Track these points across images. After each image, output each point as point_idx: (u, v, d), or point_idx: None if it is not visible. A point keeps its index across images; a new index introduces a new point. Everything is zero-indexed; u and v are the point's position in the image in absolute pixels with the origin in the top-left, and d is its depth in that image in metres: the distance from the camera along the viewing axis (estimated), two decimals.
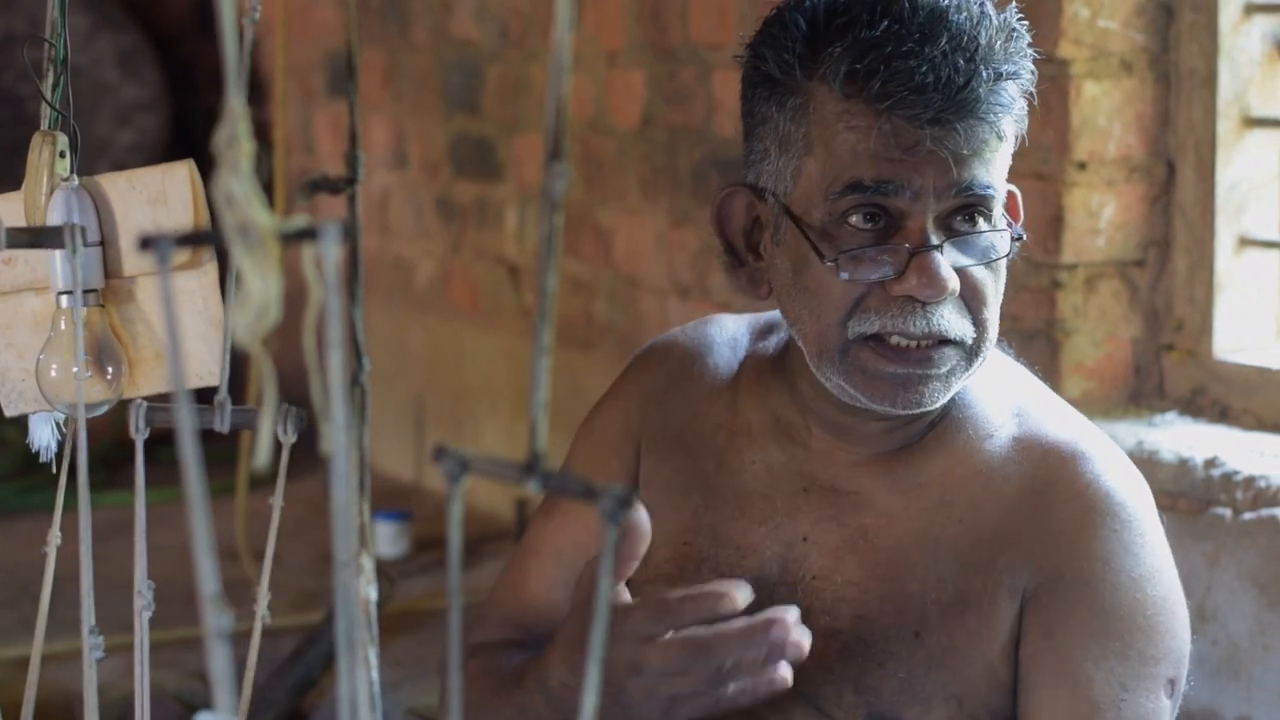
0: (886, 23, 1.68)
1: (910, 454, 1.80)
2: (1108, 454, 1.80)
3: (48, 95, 1.64)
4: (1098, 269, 2.69)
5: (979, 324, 1.73)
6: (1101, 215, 2.67)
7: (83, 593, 1.53)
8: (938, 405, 1.74)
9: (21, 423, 1.74)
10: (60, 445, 1.73)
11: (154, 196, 1.63)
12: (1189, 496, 2.52)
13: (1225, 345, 2.66)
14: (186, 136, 5.02)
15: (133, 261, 1.65)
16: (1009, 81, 1.70)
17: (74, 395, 1.59)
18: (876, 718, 1.76)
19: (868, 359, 1.71)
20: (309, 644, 2.99)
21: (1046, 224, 2.68)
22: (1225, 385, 2.64)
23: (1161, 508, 2.55)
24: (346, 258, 1.03)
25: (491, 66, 4.05)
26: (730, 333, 1.94)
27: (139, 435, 1.60)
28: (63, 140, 1.64)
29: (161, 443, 3.85)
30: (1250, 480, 2.46)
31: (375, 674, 1.13)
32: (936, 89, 1.66)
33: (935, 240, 1.69)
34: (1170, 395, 2.71)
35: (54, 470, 1.69)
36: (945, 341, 1.71)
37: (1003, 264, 1.75)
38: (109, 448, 4.28)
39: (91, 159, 1.71)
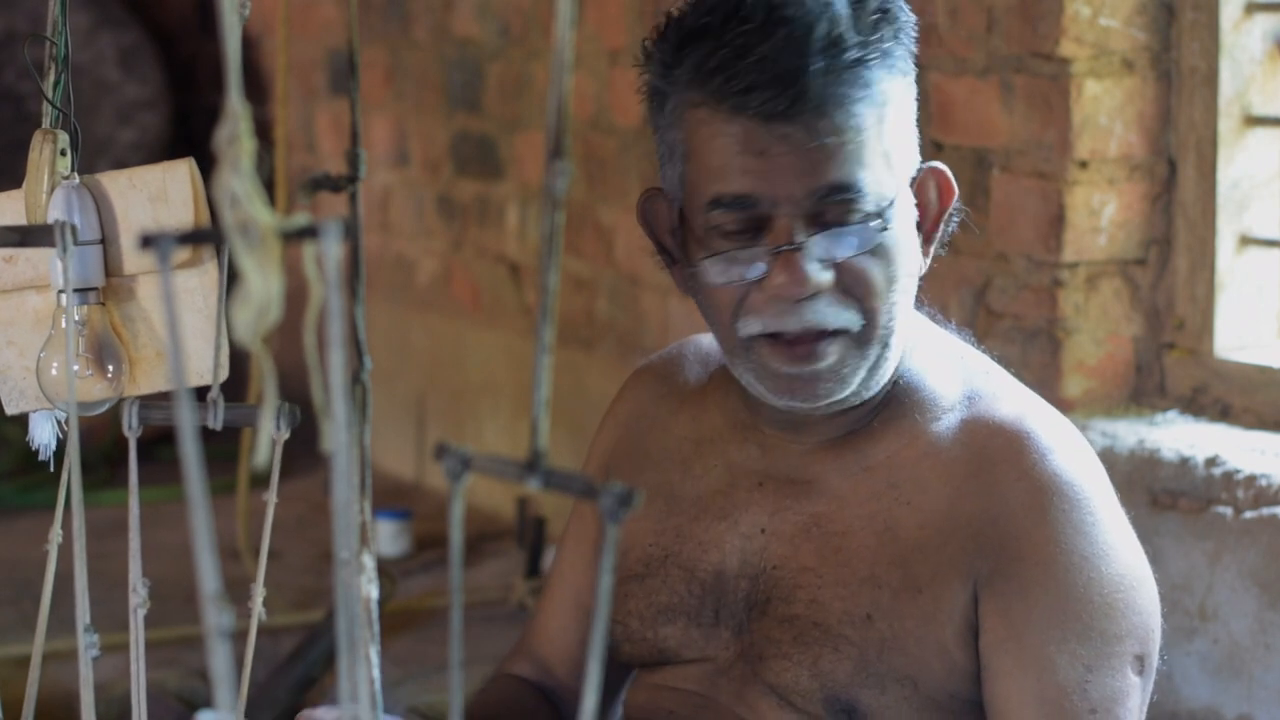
0: (735, 23, 1.70)
1: (857, 439, 1.82)
2: (1054, 432, 1.79)
3: (49, 93, 1.64)
4: (1099, 267, 2.69)
5: (866, 312, 1.74)
6: (1103, 214, 2.67)
7: (77, 591, 1.53)
8: (840, 396, 1.77)
9: (23, 421, 1.74)
10: (61, 443, 1.72)
11: (155, 194, 1.63)
12: (1190, 495, 2.52)
13: (1226, 344, 2.66)
14: (188, 135, 5.02)
15: (133, 260, 1.65)
16: (855, 69, 1.70)
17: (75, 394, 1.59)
18: (832, 701, 1.78)
19: (765, 354, 1.75)
20: (310, 642, 2.99)
21: (1048, 222, 2.68)
22: (1226, 384, 2.64)
23: (1163, 506, 2.56)
24: (348, 256, 1.03)
25: (493, 65, 4.05)
26: (704, 349, 1.99)
27: (131, 434, 1.60)
28: (63, 138, 1.64)
29: (163, 441, 3.84)
30: (1251, 479, 2.46)
31: (376, 672, 1.13)
32: (770, 85, 1.69)
33: (800, 238, 1.72)
34: (1171, 394, 2.71)
35: (53, 468, 1.69)
36: (829, 333, 1.74)
37: (896, 248, 1.75)
38: (110, 445, 4.28)
39: (93, 157, 1.71)
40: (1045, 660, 1.73)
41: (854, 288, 1.74)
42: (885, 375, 1.79)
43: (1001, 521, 1.75)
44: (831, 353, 1.74)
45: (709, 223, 1.74)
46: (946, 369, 1.84)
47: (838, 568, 1.79)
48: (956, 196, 1.82)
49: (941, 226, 1.82)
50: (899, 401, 1.82)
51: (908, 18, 1.76)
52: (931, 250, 1.82)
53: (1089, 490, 1.77)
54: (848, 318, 1.74)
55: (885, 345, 1.76)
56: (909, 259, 1.77)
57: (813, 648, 1.78)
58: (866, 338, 1.75)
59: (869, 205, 1.73)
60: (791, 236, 1.72)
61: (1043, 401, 1.85)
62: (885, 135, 1.74)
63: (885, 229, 1.74)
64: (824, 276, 1.72)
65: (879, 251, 1.74)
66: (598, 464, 2.00)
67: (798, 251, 1.71)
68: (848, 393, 1.77)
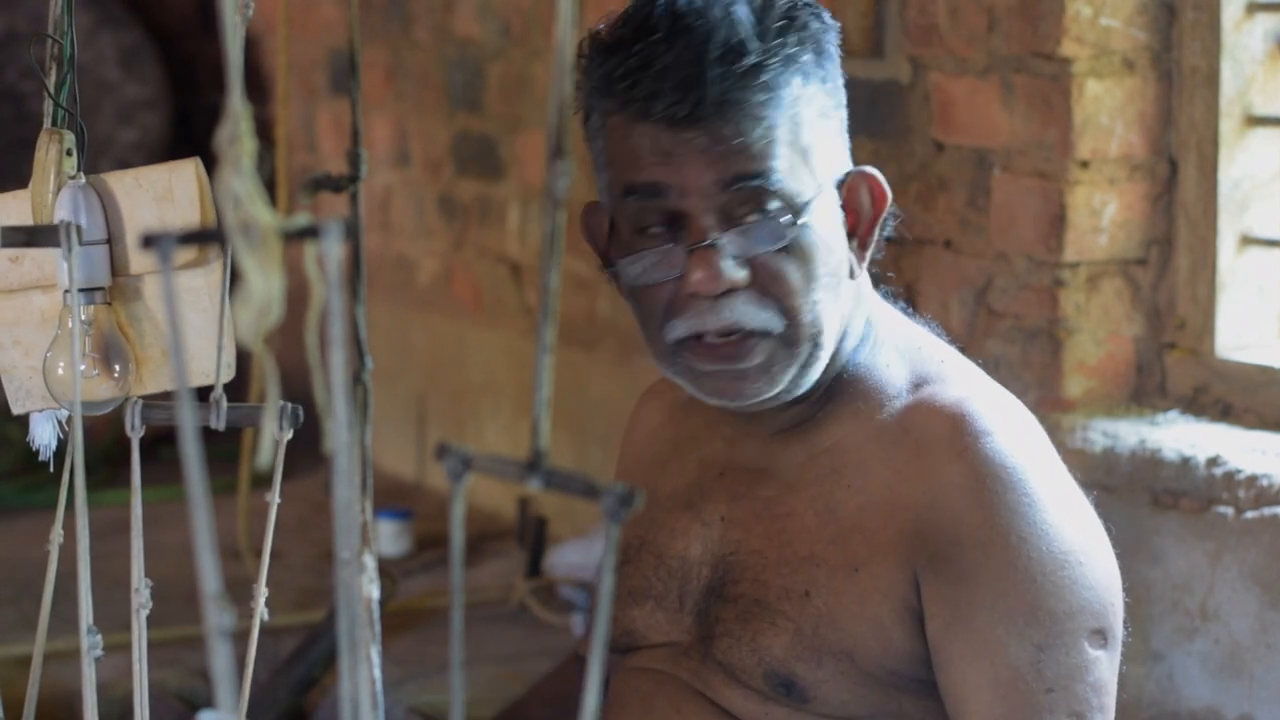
0: (645, 34, 1.78)
1: (807, 428, 1.87)
2: (994, 415, 1.82)
3: (53, 93, 1.64)
4: (1100, 267, 2.69)
5: (786, 312, 1.79)
6: (1104, 214, 2.67)
7: (80, 591, 1.53)
8: (770, 394, 1.82)
9: (24, 421, 1.74)
10: (61, 443, 1.73)
11: (160, 194, 1.63)
12: (1191, 495, 2.52)
13: (1227, 344, 2.66)
14: (189, 134, 5.02)
15: (139, 259, 1.65)
16: (755, 74, 1.76)
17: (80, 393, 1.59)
18: (771, 675, 1.82)
19: (689, 359, 1.81)
20: (311, 642, 2.99)
21: (1049, 222, 2.68)
22: (1227, 384, 2.64)
23: (1164, 506, 2.56)
24: (349, 256, 1.03)
25: (494, 64, 4.05)
26: None
27: (134, 434, 1.60)
28: (69, 138, 1.64)
29: (164, 441, 3.82)
30: (1252, 479, 2.46)
31: (377, 672, 1.13)
32: (671, 92, 1.75)
33: (711, 236, 1.77)
34: (1172, 394, 2.71)
35: (53, 468, 1.69)
36: (753, 334, 1.79)
37: (814, 248, 1.80)
38: (111, 445, 4.27)
39: (94, 157, 1.71)
40: (995, 643, 1.75)
41: (771, 286, 1.78)
42: (816, 373, 1.83)
43: (939, 505, 1.78)
44: (758, 353, 1.79)
45: (626, 216, 1.81)
46: (899, 358, 1.88)
47: (781, 548, 1.84)
48: (890, 201, 1.86)
49: (876, 231, 1.86)
50: (847, 390, 1.86)
51: (822, 25, 1.82)
52: (867, 255, 1.86)
53: (1026, 471, 1.78)
54: (766, 318, 1.79)
55: (815, 344, 1.81)
56: (831, 260, 1.81)
57: (753, 623, 1.83)
58: (793, 338, 1.80)
59: (780, 198, 1.77)
60: (705, 234, 1.77)
61: (994, 387, 1.88)
62: (800, 136, 1.79)
63: (799, 223, 1.78)
64: (739, 274, 1.77)
65: (795, 250, 1.79)
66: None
67: (711, 248, 1.77)
68: (776, 391, 1.81)
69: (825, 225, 1.80)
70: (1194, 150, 2.66)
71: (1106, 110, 2.65)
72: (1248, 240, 2.65)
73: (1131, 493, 2.58)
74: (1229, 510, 2.47)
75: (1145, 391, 2.73)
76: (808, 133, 1.79)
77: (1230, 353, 2.65)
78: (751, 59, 1.75)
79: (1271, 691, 2.44)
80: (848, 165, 1.85)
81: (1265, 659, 2.45)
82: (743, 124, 1.75)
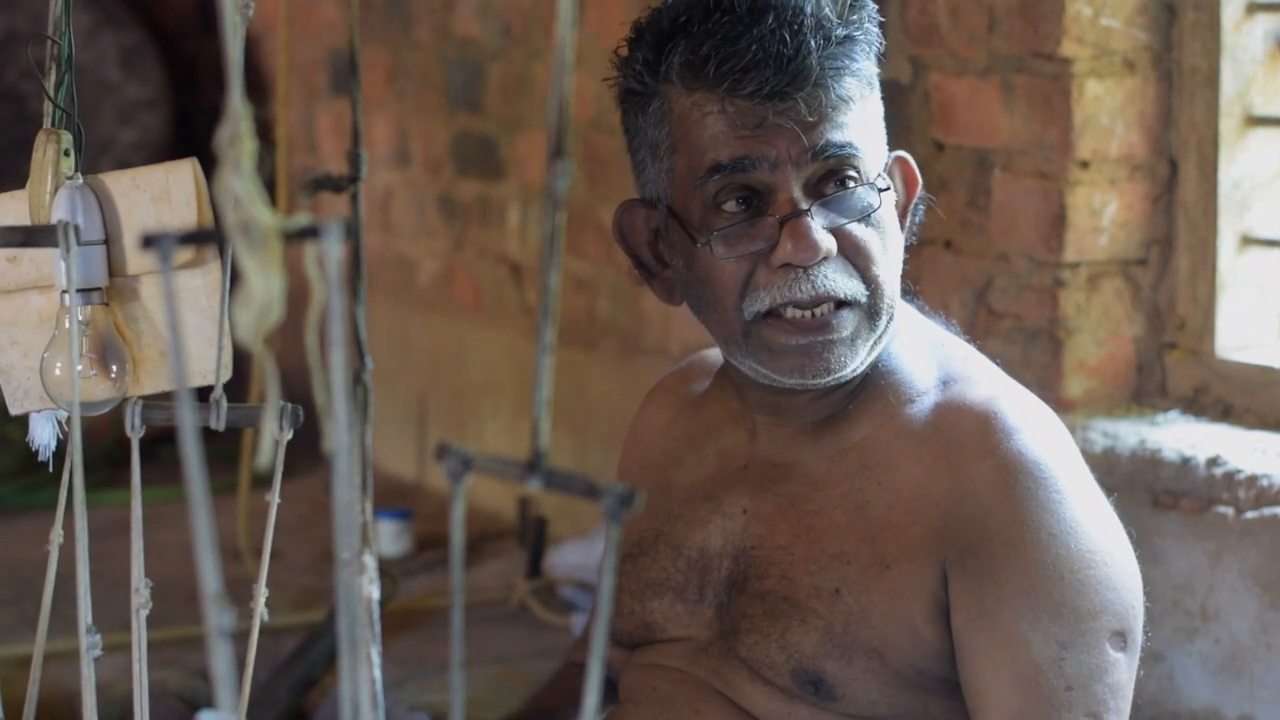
0: (718, 14, 1.78)
1: (836, 422, 1.87)
2: (1022, 413, 1.82)
3: (52, 93, 1.64)
4: (1100, 267, 2.69)
5: (869, 282, 1.80)
6: (1104, 214, 2.67)
7: (79, 591, 1.53)
8: (848, 371, 1.81)
9: (24, 421, 1.74)
10: (61, 444, 1.73)
11: (158, 195, 1.63)
12: (1191, 495, 2.52)
13: (1228, 344, 2.66)
14: (189, 134, 5.02)
15: (136, 260, 1.65)
16: (845, 46, 1.79)
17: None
18: (799, 672, 1.82)
19: (768, 335, 1.80)
20: (311, 642, 2.99)
21: (1049, 222, 2.68)
22: (1228, 384, 2.64)
23: (1164, 507, 2.56)
24: (349, 256, 1.03)
25: (494, 65, 4.05)
26: (709, 361, 2.06)
27: (134, 434, 1.60)
28: (67, 138, 1.64)
29: (164, 441, 3.82)
30: (1253, 479, 2.46)
31: (377, 672, 1.13)
32: (767, 64, 1.76)
33: (804, 206, 1.77)
34: (1173, 394, 2.70)
35: (53, 468, 1.69)
36: (841, 304, 1.79)
37: (887, 222, 1.82)
38: (111, 446, 4.27)
39: (94, 157, 1.71)
40: (1018, 638, 1.75)
41: (855, 257, 1.80)
42: (875, 354, 1.84)
43: (969, 501, 1.78)
44: (847, 324, 1.80)
45: (707, 199, 1.80)
46: (924, 355, 1.88)
47: (809, 545, 1.84)
48: (921, 186, 1.89)
49: (909, 216, 1.89)
50: (876, 385, 1.86)
51: (874, 10, 1.84)
52: (903, 239, 1.88)
53: (1055, 469, 1.79)
54: (854, 286, 1.79)
55: (889, 319, 1.82)
56: (897, 235, 1.84)
57: (781, 620, 1.82)
58: (875, 308, 1.80)
59: (859, 170, 1.80)
60: (795, 205, 1.77)
61: (1017, 386, 1.89)
62: (869, 113, 1.82)
63: (884, 189, 1.81)
64: (830, 241, 1.78)
65: (874, 222, 1.81)
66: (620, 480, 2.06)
67: (804, 217, 1.77)
68: (856, 364, 1.81)
69: (890, 202, 1.83)
70: (1194, 150, 2.66)
71: (1107, 110, 2.65)
72: (1248, 240, 2.65)
73: (1132, 493, 2.57)
74: (1229, 510, 2.47)
75: (1145, 391, 2.73)
76: (873, 112, 1.83)
77: (1230, 353, 2.65)
78: (841, 32, 1.78)
79: (1272, 692, 2.44)
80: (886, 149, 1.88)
81: (1265, 659, 2.45)
82: (834, 95, 1.77)
